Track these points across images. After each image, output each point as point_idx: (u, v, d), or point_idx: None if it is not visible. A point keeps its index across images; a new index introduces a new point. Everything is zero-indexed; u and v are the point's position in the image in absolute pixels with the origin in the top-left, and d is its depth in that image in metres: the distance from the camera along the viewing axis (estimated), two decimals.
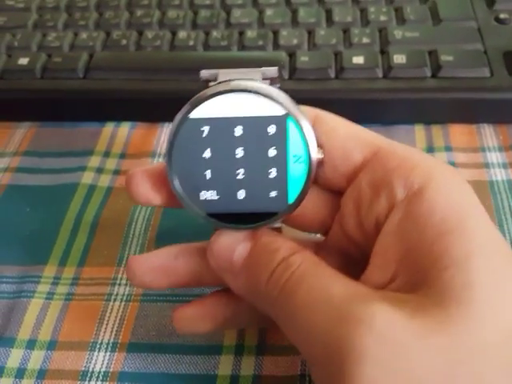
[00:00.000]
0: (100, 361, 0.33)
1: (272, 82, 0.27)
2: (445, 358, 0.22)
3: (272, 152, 0.26)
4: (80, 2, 0.52)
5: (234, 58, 0.47)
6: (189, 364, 0.33)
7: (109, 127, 0.47)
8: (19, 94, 0.47)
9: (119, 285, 0.37)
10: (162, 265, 0.30)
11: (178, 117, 0.27)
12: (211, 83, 0.27)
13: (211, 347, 0.34)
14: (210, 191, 0.27)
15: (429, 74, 0.44)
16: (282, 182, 0.27)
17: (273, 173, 0.27)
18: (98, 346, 0.34)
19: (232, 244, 0.28)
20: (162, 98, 0.46)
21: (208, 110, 0.26)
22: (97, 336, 0.34)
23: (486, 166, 0.41)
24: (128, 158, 0.44)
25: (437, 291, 0.23)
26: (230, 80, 0.27)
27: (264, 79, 0.27)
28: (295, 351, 0.32)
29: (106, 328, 0.35)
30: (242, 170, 0.27)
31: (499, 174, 0.41)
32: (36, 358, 0.34)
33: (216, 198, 0.27)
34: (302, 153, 0.26)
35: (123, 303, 0.36)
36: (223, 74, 0.27)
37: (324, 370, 0.24)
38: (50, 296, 0.36)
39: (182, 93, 0.45)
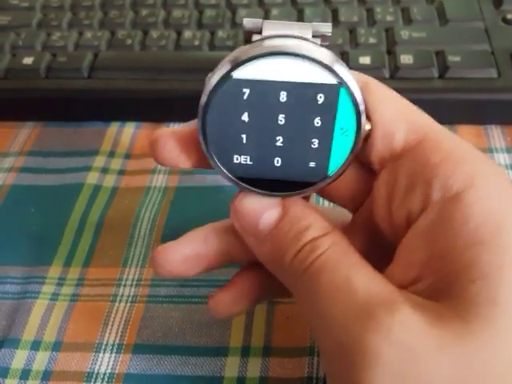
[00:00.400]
0: (105, 362, 0.33)
1: (323, 39, 0.25)
2: (459, 371, 0.21)
3: (317, 122, 0.25)
4: (85, 2, 0.52)
5: None
6: (195, 366, 0.33)
7: (114, 127, 0.47)
8: (24, 94, 0.47)
9: (124, 286, 0.36)
10: (192, 251, 0.29)
11: (219, 74, 0.24)
12: (255, 36, 0.25)
13: (217, 349, 0.33)
14: (243, 156, 0.26)
15: (436, 74, 0.44)
16: (324, 153, 0.25)
17: (315, 143, 0.25)
18: (103, 348, 0.34)
19: (260, 208, 0.27)
20: (167, 97, 0.46)
21: (252, 70, 0.24)
22: (102, 337, 0.34)
23: None
24: (133, 158, 0.44)
25: (461, 304, 0.22)
26: (276, 36, 0.24)
27: (314, 36, 0.25)
28: (302, 353, 0.33)
29: (111, 329, 0.35)
30: (281, 138, 0.25)
31: None
32: (41, 359, 0.34)
33: (250, 163, 0.26)
34: (350, 126, 0.25)
35: (129, 304, 0.36)
36: (269, 24, 0.25)
37: (336, 363, 0.24)
38: (54, 297, 0.36)
39: (188, 93, 0.45)
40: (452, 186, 0.24)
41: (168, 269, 0.29)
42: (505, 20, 0.47)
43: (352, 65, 0.44)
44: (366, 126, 0.25)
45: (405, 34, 0.46)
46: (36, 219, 0.41)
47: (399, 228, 0.26)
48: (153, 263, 0.29)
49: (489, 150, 0.42)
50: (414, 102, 0.43)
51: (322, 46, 0.25)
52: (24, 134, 0.47)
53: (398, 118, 0.26)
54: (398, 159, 0.26)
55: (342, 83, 0.24)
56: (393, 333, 0.22)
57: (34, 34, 0.50)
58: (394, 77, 0.44)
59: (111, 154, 0.45)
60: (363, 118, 0.25)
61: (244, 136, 0.25)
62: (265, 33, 0.24)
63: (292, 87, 0.24)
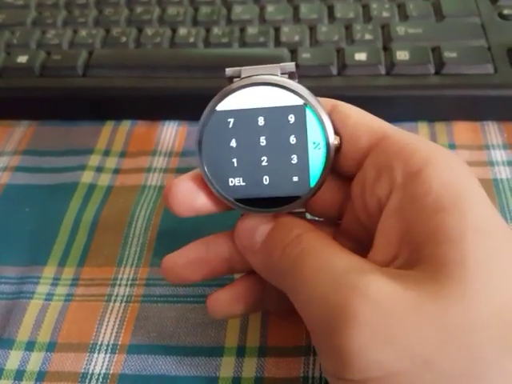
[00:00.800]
0: (100, 362, 0.33)
1: (290, 76, 0.29)
2: (436, 328, 0.23)
3: (293, 139, 0.28)
4: None
5: (234, 55, 0.46)
6: (190, 366, 0.33)
7: (109, 125, 0.46)
8: (18, 93, 0.47)
9: (119, 285, 0.36)
10: (196, 257, 0.31)
11: (207, 110, 0.29)
12: (235, 79, 0.29)
13: (213, 349, 0.33)
14: (237, 178, 0.29)
15: (432, 70, 0.43)
16: (303, 167, 0.29)
17: (294, 159, 0.29)
18: (97, 348, 0.34)
19: (255, 225, 0.30)
20: (163, 95, 0.46)
21: (233, 102, 0.28)
22: (97, 337, 0.34)
23: (491, 163, 0.41)
24: (128, 157, 0.44)
25: (431, 266, 0.24)
26: (251, 76, 0.29)
27: (283, 74, 0.29)
28: (297, 353, 0.32)
29: (105, 329, 0.34)
30: (265, 157, 0.29)
31: (503, 172, 0.40)
32: (35, 360, 0.33)
33: (243, 184, 0.29)
34: (320, 139, 0.28)
35: (123, 304, 0.35)
36: (245, 70, 0.29)
37: (322, 335, 0.25)
38: (49, 297, 0.36)
39: (183, 90, 0.45)
40: (412, 167, 0.26)
41: (177, 274, 0.31)
42: (501, 15, 0.47)
43: (348, 61, 0.44)
44: (335, 141, 0.29)
45: (401, 30, 0.46)
46: (31, 218, 0.41)
47: (374, 217, 0.28)
48: (161, 269, 0.32)
49: (485, 147, 0.42)
50: (411, 98, 0.43)
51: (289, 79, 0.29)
52: (19, 132, 0.47)
53: (360, 125, 0.29)
54: (365, 160, 0.29)
55: (306, 103, 0.28)
56: (368, 295, 0.24)
57: (28, 32, 0.50)
58: (390, 73, 0.44)
59: (106, 153, 0.44)
60: (329, 129, 0.28)
61: (235, 160, 0.29)
62: (243, 75, 0.29)
63: (267, 112, 0.28)
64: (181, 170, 0.42)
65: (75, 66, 0.46)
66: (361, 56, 0.44)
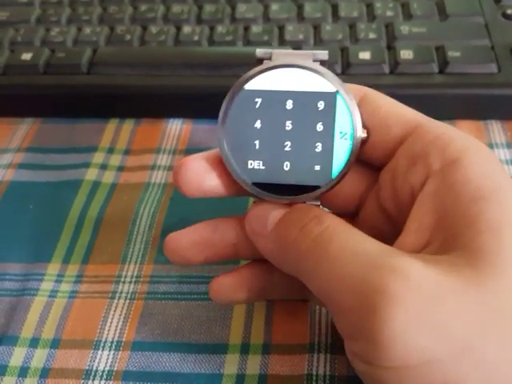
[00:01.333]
0: (104, 359, 0.33)
1: (321, 64, 0.28)
2: (476, 314, 0.23)
3: (319, 127, 0.28)
4: None
5: (239, 53, 0.46)
6: (194, 363, 0.33)
7: (113, 123, 0.46)
8: (22, 90, 0.47)
9: (123, 282, 0.36)
10: (201, 238, 0.31)
11: (235, 87, 0.28)
12: (265, 62, 0.28)
13: (217, 346, 0.33)
14: (257, 161, 0.29)
15: (436, 69, 0.43)
16: (326, 156, 0.28)
17: (319, 147, 0.28)
18: (101, 345, 0.34)
19: (268, 210, 0.29)
20: (167, 93, 0.46)
21: (262, 82, 0.28)
22: (101, 334, 0.34)
23: None
24: (132, 155, 0.44)
25: (470, 253, 0.24)
26: (283, 58, 0.28)
27: (314, 61, 0.28)
28: (301, 350, 0.32)
29: (110, 326, 0.34)
30: (289, 143, 0.28)
31: (507, 171, 0.40)
32: (39, 357, 0.33)
33: (262, 167, 0.29)
34: (347, 130, 0.28)
35: (127, 301, 0.35)
36: (277, 53, 0.28)
37: (353, 318, 0.25)
38: (53, 294, 0.36)
39: (187, 88, 0.45)
40: (450, 155, 0.27)
41: (179, 254, 0.31)
42: (505, 15, 0.47)
43: (352, 60, 0.44)
44: (362, 134, 0.28)
45: (405, 29, 0.46)
46: (35, 216, 0.41)
47: (405, 205, 0.28)
48: (164, 248, 0.31)
49: (489, 145, 0.42)
50: (414, 97, 0.43)
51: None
52: (23, 130, 0.47)
53: (393, 115, 0.29)
54: (397, 150, 0.29)
55: (338, 91, 0.27)
56: (410, 278, 0.23)
57: (32, 30, 0.50)
58: (394, 72, 0.44)
59: (110, 150, 0.44)
60: (358, 120, 0.28)
61: (257, 142, 0.28)
62: (273, 58, 0.28)
63: (296, 96, 0.28)
64: None
65: (79, 64, 0.46)
66: (365, 55, 0.44)
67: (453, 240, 0.25)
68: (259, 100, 0.28)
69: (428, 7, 0.48)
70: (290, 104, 0.28)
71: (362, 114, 0.28)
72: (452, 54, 0.44)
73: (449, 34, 0.46)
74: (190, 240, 0.31)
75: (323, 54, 0.28)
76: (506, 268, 0.24)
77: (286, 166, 0.28)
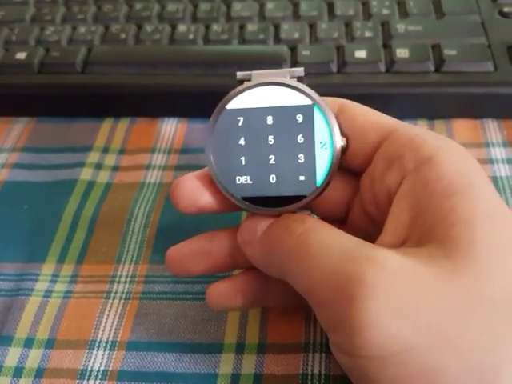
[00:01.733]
0: (99, 359, 0.33)
1: (299, 80, 0.30)
2: (454, 303, 0.23)
3: (300, 139, 0.29)
4: None
5: (234, 52, 0.46)
6: (189, 362, 0.33)
7: (108, 122, 0.46)
8: (17, 89, 0.47)
9: (118, 282, 0.36)
10: (199, 249, 0.32)
11: (217, 108, 0.29)
12: (246, 83, 0.30)
13: (212, 345, 0.33)
14: (244, 176, 0.30)
15: (432, 68, 0.43)
16: (310, 166, 0.29)
17: (301, 158, 0.29)
18: (96, 345, 0.34)
19: (257, 221, 0.30)
20: (162, 92, 0.46)
21: (243, 101, 0.29)
22: (95, 334, 0.34)
23: (490, 161, 0.41)
24: (127, 154, 0.44)
25: (445, 246, 0.25)
26: (262, 78, 0.29)
27: (291, 78, 0.30)
28: (297, 349, 0.32)
29: (104, 326, 0.34)
30: (273, 156, 0.29)
31: (503, 170, 0.40)
32: (34, 357, 0.33)
33: (250, 182, 0.30)
34: (327, 140, 0.29)
35: (122, 301, 0.35)
36: (256, 74, 0.30)
37: (332, 310, 0.25)
38: (48, 294, 0.36)
39: (182, 87, 0.45)
40: (423, 154, 0.27)
41: (179, 265, 0.32)
42: (501, 13, 0.47)
43: (348, 59, 0.44)
44: (341, 143, 0.29)
45: (401, 27, 0.46)
46: (29, 215, 0.40)
47: (383, 207, 0.29)
48: (166, 259, 0.32)
49: (485, 144, 0.42)
50: (410, 95, 0.43)
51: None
52: (17, 129, 0.46)
53: (369, 123, 0.30)
54: (374, 154, 0.29)
55: (315, 103, 0.29)
56: (387, 267, 0.24)
57: (27, 29, 0.49)
58: (390, 71, 0.43)
59: (105, 150, 0.44)
60: (336, 129, 0.29)
61: (243, 158, 0.29)
62: (253, 78, 0.30)
63: (276, 111, 0.29)
64: (180, 168, 0.42)
65: (74, 63, 0.46)
66: (361, 53, 0.44)
67: (428, 234, 0.26)
68: (241, 118, 0.29)
69: (424, 5, 0.48)
70: (270, 119, 0.29)
71: (340, 124, 0.29)
72: (448, 52, 0.43)
73: (445, 32, 0.45)
74: (189, 250, 0.32)
75: (299, 71, 0.30)
76: (480, 258, 0.24)
77: (272, 178, 0.29)
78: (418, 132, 0.29)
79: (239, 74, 0.30)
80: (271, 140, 0.29)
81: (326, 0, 0.49)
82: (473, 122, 0.44)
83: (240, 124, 0.29)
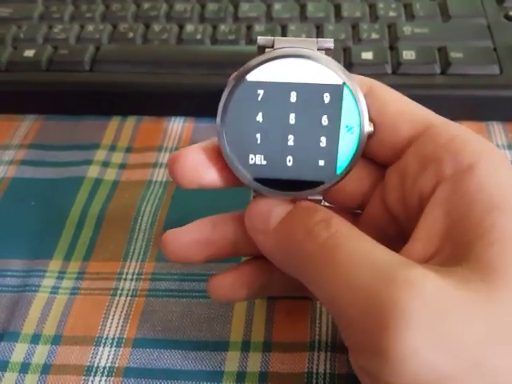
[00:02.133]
0: (105, 356, 0.33)
1: (327, 53, 0.27)
2: (488, 330, 0.22)
3: (325, 120, 0.27)
4: None
5: (241, 52, 0.46)
6: (195, 360, 0.33)
7: (115, 121, 0.46)
8: (25, 87, 0.47)
9: (125, 279, 0.36)
10: (200, 236, 0.30)
11: (235, 78, 0.27)
12: (267, 50, 0.27)
13: (217, 343, 0.33)
14: (258, 155, 0.27)
15: (438, 70, 0.44)
16: (331, 151, 0.27)
17: (323, 141, 0.27)
18: (103, 341, 0.34)
19: (270, 207, 0.28)
20: (169, 91, 0.46)
21: (265, 73, 0.26)
22: (102, 331, 0.34)
23: None
24: (134, 152, 0.44)
25: (481, 266, 0.23)
26: (286, 47, 0.27)
27: (319, 49, 0.27)
28: (302, 348, 0.32)
29: (111, 323, 0.34)
30: (292, 137, 0.27)
31: None
32: (40, 353, 0.34)
33: (264, 162, 0.28)
34: (354, 124, 0.27)
35: (129, 298, 0.36)
36: (279, 40, 0.27)
37: (362, 332, 0.24)
38: (55, 290, 0.36)
39: (189, 86, 0.45)
40: (463, 160, 0.25)
41: (178, 253, 0.30)
42: (507, 17, 0.47)
43: (354, 60, 0.44)
44: (369, 128, 0.27)
45: (407, 29, 0.46)
46: (36, 212, 0.41)
47: (412, 210, 0.27)
48: (161, 246, 0.30)
49: None
50: (416, 97, 0.43)
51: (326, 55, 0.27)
52: (25, 126, 0.47)
53: (403, 113, 0.28)
54: (406, 149, 0.27)
55: (344, 83, 0.26)
56: (425, 292, 0.22)
57: (35, 27, 0.50)
58: (396, 72, 0.44)
59: (112, 148, 0.44)
60: (365, 114, 0.26)
61: (259, 136, 0.27)
62: (276, 46, 0.27)
63: (301, 88, 0.26)
64: None
65: (82, 61, 0.46)
66: (367, 55, 0.45)
67: (463, 250, 0.24)
68: (261, 92, 0.26)
69: (431, 8, 0.48)
70: (294, 96, 0.26)
71: (368, 107, 0.27)
72: (454, 55, 0.44)
73: (451, 35, 0.46)
74: (189, 238, 0.30)
75: (329, 42, 0.27)
76: None
77: (289, 160, 0.27)
78: (457, 132, 0.27)
79: (260, 39, 0.27)
80: (292, 119, 0.27)
81: (332, 2, 0.49)
82: (478, 124, 0.44)
83: (260, 98, 0.26)
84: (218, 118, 0.27)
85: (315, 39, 0.27)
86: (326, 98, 0.26)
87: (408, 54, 0.44)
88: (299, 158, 0.27)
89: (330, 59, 0.27)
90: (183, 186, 0.29)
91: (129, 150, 0.44)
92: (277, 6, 0.49)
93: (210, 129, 0.45)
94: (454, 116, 0.44)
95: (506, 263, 0.23)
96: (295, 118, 0.27)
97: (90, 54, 0.47)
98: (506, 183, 0.25)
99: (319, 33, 0.47)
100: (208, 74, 0.45)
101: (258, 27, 0.47)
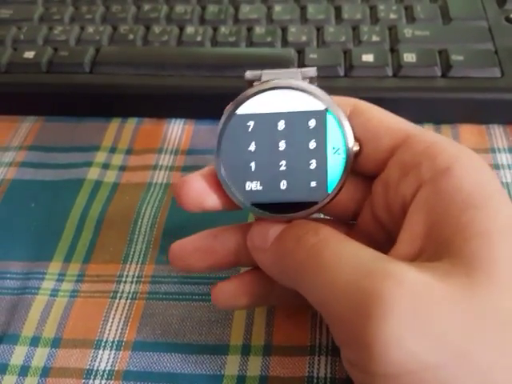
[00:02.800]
0: (105, 359, 0.33)
1: (311, 81, 0.29)
2: (472, 320, 0.23)
3: (312, 144, 0.28)
4: None
5: (241, 54, 0.46)
6: (195, 363, 0.33)
7: (115, 123, 0.46)
8: (25, 88, 0.47)
9: (125, 282, 0.36)
10: (203, 245, 0.31)
11: (226, 113, 0.29)
12: (255, 83, 0.29)
13: (218, 347, 0.33)
14: (254, 182, 0.29)
15: (439, 73, 0.44)
16: (321, 172, 0.29)
17: (313, 164, 0.28)
18: (102, 344, 0.34)
19: (268, 226, 0.29)
20: (169, 93, 0.46)
21: (253, 106, 0.28)
22: (102, 334, 0.34)
23: (496, 167, 0.41)
24: (134, 154, 0.44)
25: (461, 260, 0.24)
26: (272, 79, 0.28)
27: (303, 78, 0.29)
28: (302, 352, 0.32)
29: (111, 326, 0.34)
30: (284, 162, 0.29)
31: (509, 176, 0.40)
32: (40, 356, 0.33)
33: (260, 188, 0.29)
34: (340, 145, 0.28)
35: (129, 301, 0.35)
36: (266, 74, 0.29)
37: (347, 326, 0.24)
38: (54, 293, 0.36)
39: (189, 88, 0.45)
40: (441, 164, 0.27)
41: (183, 261, 0.32)
42: (508, 19, 0.47)
43: (355, 63, 0.44)
44: (355, 147, 0.29)
45: (408, 32, 0.46)
46: (36, 214, 0.41)
47: (397, 216, 0.28)
48: (169, 256, 0.32)
49: (491, 150, 0.42)
50: (417, 100, 0.43)
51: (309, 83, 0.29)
52: (25, 128, 0.47)
53: (382, 126, 0.29)
54: (388, 160, 0.29)
55: (328, 108, 0.28)
56: (405, 283, 0.23)
57: (35, 28, 0.50)
58: (397, 75, 0.44)
59: (112, 150, 0.44)
60: (349, 134, 0.28)
61: (253, 164, 0.29)
62: (263, 79, 0.29)
63: (287, 116, 0.28)
64: (187, 168, 0.42)
65: (82, 63, 0.46)
66: (368, 57, 0.44)
67: (444, 247, 0.25)
68: (251, 123, 0.28)
69: (431, 11, 0.48)
70: (281, 125, 0.28)
71: (353, 128, 0.28)
72: (455, 57, 0.44)
73: (452, 37, 0.46)
74: (193, 246, 0.31)
75: (312, 71, 0.29)
76: (498, 274, 0.24)
77: (283, 184, 0.29)
78: (435, 139, 0.28)
79: (248, 74, 0.29)
80: (282, 145, 0.28)
81: (333, 4, 0.49)
82: (479, 127, 0.44)
83: (250, 129, 0.28)
84: (215, 150, 0.29)
85: (299, 70, 0.29)
86: (312, 123, 0.28)
87: (409, 57, 0.44)
88: (292, 182, 0.29)
89: (312, 87, 0.28)
90: (188, 210, 0.30)
91: (129, 151, 0.44)
92: (277, 8, 0.49)
93: (210, 131, 0.45)
94: (455, 119, 0.44)
95: (486, 256, 0.24)
96: (285, 144, 0.28)
97: (90, 55, 0.47)
98: (482, 182, 0.26)
99: (319, 35, 0.47)
100: (208, 75, 0.45)
101: (258, 29, 0.47)
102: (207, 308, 0.35)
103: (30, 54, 0.47)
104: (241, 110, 0.28)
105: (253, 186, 0.29)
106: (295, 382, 0.32)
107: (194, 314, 0.35)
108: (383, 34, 0.46)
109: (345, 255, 0.26)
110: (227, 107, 0.29)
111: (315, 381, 0.31)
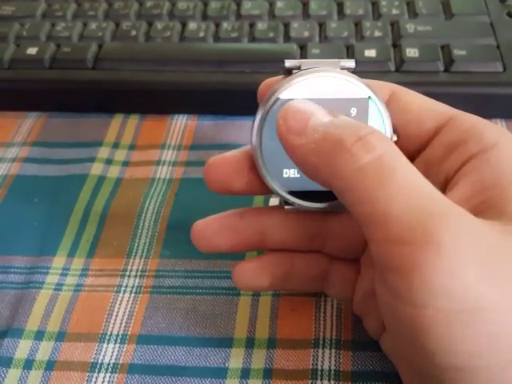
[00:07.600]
0: (109, 353, 0.33)
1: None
2: None
3: None
4: None
5: (244, 50, 0.46)
6: (199, 357, 0.33)
7: (118, 118, 0.47)
8: (28, 84, 0.47)
9: (129, 276, 0.36)
10: (228, 224, 0.31)
11: (269, 97, 0.28)
12: (294, 71, 0.29)
13: (222, 340, 0.33)
14: (292, 169, 0.29)
15: (441, 68, 0.44)
16: None
17: None
18: (107, 338, 0.34)
19: (310, 107, 0.27)
20: (172, 89, 0.46)
21: (295, 91, 0.28)
22: (106, 328, 0.34)
23: None
24: (137, 150, 0.44)
25: None
26: (312, 68, 0.28)
27: (342, 69, 0.29)
28: (306, 345, 0.33)
29: (115, 320, 0.35)
30: None
31: None
32: (44, 349, 0.34)
33: (297, 175, 0.29)
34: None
35: (133, 295, 0.36)
36: (305, 63, 0.29)
37: (408, 246, 0.23)
38: (58, 287, 0.36)
39: (192, 84, 0.45)
40: (489, 139, 0.28)
41: (207, 240, 0.31)
42: (510, 14, 0.47)
43: (357, 58, 0.44)
44: (394, 137, 0.29)
45: (410, 27, 0.46)
46: (40, 209, 0.41)
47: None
48: (191, 235, 0.31)
49: None
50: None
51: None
52: (28, 124, 0.47)
53: (425, 110, 0.30)
54: (430, 141, 0.30)
55: (370, 97, 0.28)
56: (476, 224, 0.24)
57: (38, 25, 0.50)
58: (400, 70, 0.44)
59: (115, 145, 0.44)
60: (389, 124, 0.29)
61: None
62: (302, 68, 0.29)
63: (329, 103, 0.28)
64: (190, 164, 0.43)
65: (85, 59, 0.46)
66: (370, 52, 0.45)
67: (493, 211, 0.25)
68: None
69: (433, 6, 0.48)
70: None
71: (392, 118, 0.29)
72: (457, 52, 0.44)
73: (454, 32, 0.46)
74: (217, 226, 0.31)
75: (351, 62, 0.29)
76: None
77: None
78: (478, 119, 0.29)
79: (288, 63, 0.29)
80: None
81: None
82: None
83: None
84: (254, 137, 0.29)
85: (338, 60, 0.29)
86: (353, 111, 0.28)
87: (411, 52, 0.44)
88: None
89: (354, 76, 0.29)
90: (214, 191, 0.30)
91: (132, 147, 0.44)
92: (279, 4, 0.49)
93: (213, 126, 0.45)
94: None
95: None
96: None
97: (93, 51, 0.47)
98: None
99: (322, 30, 0.47)
100: (210, 71, 0.45)
101: (260, 25, 0.47)
102: (211, 302, 0.35)
103: (32, 51, 0.47)
104: (283, 95, 0.28)
105: (290, 173, 0.29)
106: (299, 375, 0.32)
107: (198, 307, 0.35)
108: (385, 29, 0.46)
109: (414, 174, 0.24)
110: (267, 93, 0.29)
111: (319, 373, 0.32)
